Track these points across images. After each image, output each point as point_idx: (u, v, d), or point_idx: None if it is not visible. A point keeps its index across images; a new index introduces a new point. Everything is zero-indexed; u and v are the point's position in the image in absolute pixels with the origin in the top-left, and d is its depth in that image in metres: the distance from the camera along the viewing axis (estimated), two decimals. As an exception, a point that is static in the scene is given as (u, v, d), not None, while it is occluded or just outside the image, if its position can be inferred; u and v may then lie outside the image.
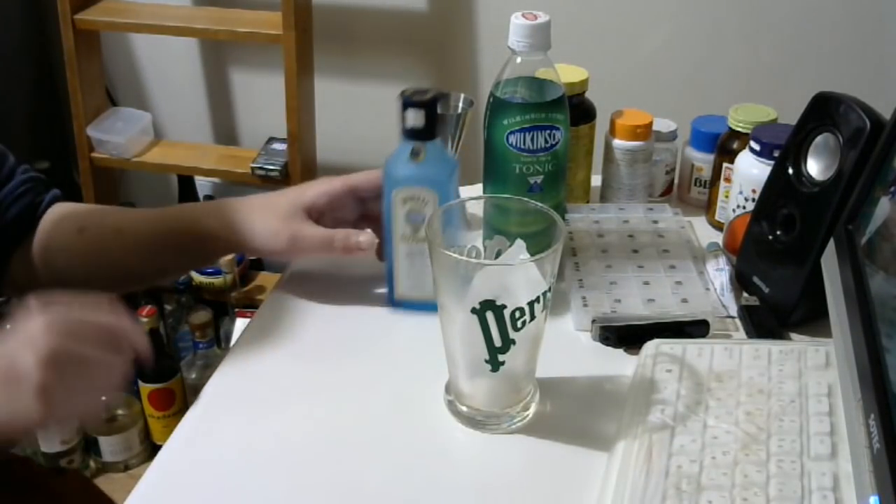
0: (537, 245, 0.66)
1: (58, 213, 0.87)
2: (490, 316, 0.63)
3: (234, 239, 0.80)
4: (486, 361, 0.66)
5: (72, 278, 0.84)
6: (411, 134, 0.75)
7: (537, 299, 0.64)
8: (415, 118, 0.74)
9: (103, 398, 0.64)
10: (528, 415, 0.71)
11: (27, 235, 0.86)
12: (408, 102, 0.73)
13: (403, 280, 0.80)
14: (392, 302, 0.82)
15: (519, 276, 0.64)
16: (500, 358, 0.65)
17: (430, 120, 0.74)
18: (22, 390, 0.58)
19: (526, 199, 0.70)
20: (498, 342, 0.64)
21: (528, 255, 0.66)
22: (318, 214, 0.81)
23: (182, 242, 0.83)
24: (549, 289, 0.64)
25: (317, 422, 0.71)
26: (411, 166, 0.75)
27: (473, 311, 0.63)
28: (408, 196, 0.75)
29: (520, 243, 0.67)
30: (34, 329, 0.60)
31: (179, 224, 0.83)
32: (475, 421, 0.70)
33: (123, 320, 0.64)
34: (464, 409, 0.70)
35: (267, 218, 0.79)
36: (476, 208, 0.87)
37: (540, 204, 0.68)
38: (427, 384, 0.73)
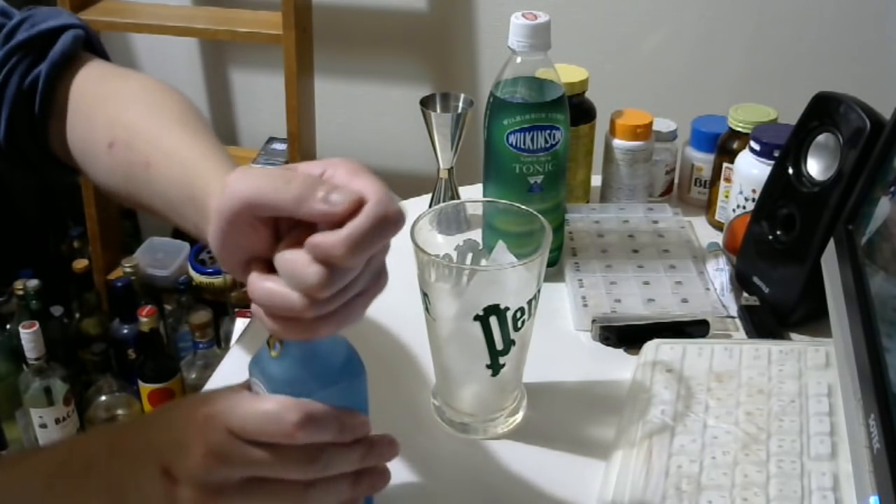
0: (519, 243, 0.66)
1: (82, 89, 0.68)
2: (493, 320, 0.63)
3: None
4: (488, 366, 0.65)
5: (105, 188, 0.69)
6: None
7: (534, 296, 0.64)
8: None
9: None
10: (517, 418, 0.71)
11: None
12: None
13: None
14: None
15: (515, 276, 0.63)
16: (502, 360, 0.65)
17: None
18: None
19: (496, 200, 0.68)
20: (500, 345, 0.64)
21: (512, 255, 0.66)
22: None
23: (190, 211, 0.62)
24: (539, 285, 0.65)
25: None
26: (268, 359, 0.53)
27: (477, 317, 0.63)
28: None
29: (501, 245, 0.67)
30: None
31: (198, 196, 0.60)
32: (464, 425, 0.70)
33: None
34: (453, 414, 0.70)
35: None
36: (476, 208, 0.87)
37: (515, 203, 0.69)
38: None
